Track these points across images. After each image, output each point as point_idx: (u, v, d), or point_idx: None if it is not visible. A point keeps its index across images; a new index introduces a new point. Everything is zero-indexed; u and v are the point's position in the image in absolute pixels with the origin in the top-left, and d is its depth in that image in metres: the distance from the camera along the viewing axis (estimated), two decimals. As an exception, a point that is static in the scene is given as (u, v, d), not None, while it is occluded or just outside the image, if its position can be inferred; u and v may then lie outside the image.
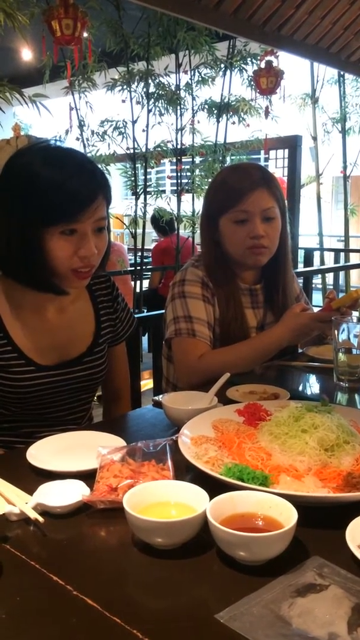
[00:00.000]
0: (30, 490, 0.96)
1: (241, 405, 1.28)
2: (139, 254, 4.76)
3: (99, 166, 1.35)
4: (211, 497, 0.85)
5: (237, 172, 1.77)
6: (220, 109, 4.66)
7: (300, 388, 1.67)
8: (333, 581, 0.75)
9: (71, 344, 1.41)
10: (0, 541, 0.85)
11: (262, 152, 5.58)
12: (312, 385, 1.70)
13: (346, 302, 1.63)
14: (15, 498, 0.93)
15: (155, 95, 4.34)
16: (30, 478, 1.03)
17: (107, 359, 1.49)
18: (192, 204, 4.75)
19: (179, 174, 4.65)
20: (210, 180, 4.37)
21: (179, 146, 4.55)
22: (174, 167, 4.75)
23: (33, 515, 0.89)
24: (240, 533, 0.77)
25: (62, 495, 0.93)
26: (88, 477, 0.99)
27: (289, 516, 0.80)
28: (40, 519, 0.88)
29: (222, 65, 4.56)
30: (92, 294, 1.50)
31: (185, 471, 1.04)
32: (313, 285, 4.84)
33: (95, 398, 1.57)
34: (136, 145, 4.40)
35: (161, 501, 0.88)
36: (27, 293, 1.34)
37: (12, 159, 1.28)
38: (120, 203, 5.86)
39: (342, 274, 6.55)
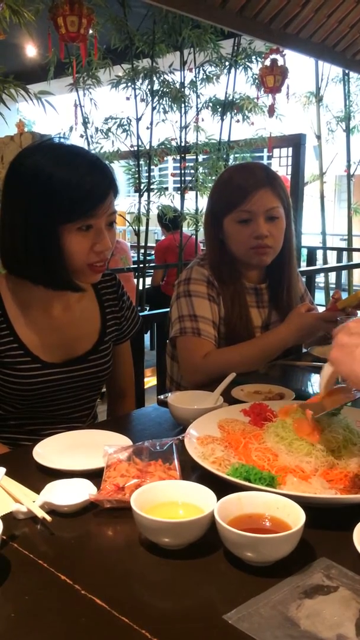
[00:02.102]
0: (37, 489, 0.97)
1: (247, 405, 1.28)
2: (142, 251, 4.76)
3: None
4: (218, 498, 0.85)
5: (241, 171, 1.76)
6: (225, 106, 4.65)
7: (305, 388, 1.67)
8: (341, 583, 0.75)
9: (77, 342, 1.42)
10: (8, 540, 0.85)
11: (266, 150, 5.58)
12: (317, 385, 1.70)
13: (352, 302, 1.63)
14: (22, 496, 0.94)
15: (160, 92, 4.32)
16: (37, 476, 1.04)
17: (112, 357, 1.49)
18: (196, 202, 4.74)
19: (182, 171, 4.64)
20: (214, 178, 4.36)
21: (182, 144, 4.54)
22: (178, 165, 4.74)
23: (40, 513, 0.89)
24: (248, 534, 0.77)
25: (69, 494, 0.93)
26: (95, 476, 1.00)
27: (296, 517, 0.81)
28: (48, 517, 0.88)
29: (227, 63, 4.54)
30: (98, 292, 1.50)
31: (192, 471, 1.04)
32: (315, 284, 4.84)
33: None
34: (140, 143, 4.39)
35: (169, 501, 0.88)
36: (33, 291, 1.34)
37: (20, 159, 1.28)
38: (123, 200, 5.86)
39: (344, 273, 6.55)
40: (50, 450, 1.12)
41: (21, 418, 1.40)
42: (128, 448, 1.06)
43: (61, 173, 1.21)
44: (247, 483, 0.92)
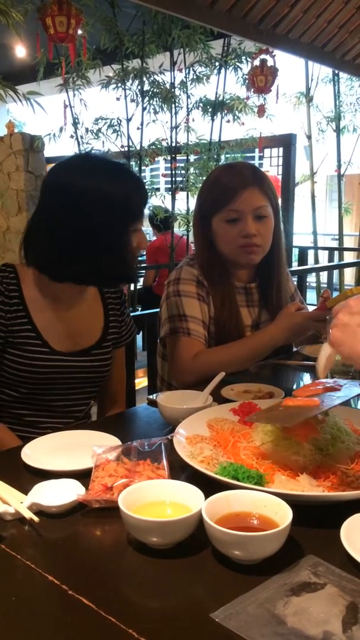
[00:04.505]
0: (25, 490, 0.96)
1: (236, 404, 1.29)
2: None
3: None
4: (206, 497, 0.85)
5: (229, 171, 1.77)
6: (215, 107, 4.66)
7: (295, 387, 1.67)
8: (328, 580, 0.76)
9: (82, 335, 1.49)
10: (-5, 541, 0.85)
11: (257, 150, 5.59)
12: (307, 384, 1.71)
13: (341, 301, 1.63)
14: (10, 497, 0.93)
15: (150, 93, 4.33)
16: (25, 477, 1.03)
17: (112, 357, 1.54)
18: (187, 202, 4.75)
19: (173, 172, 4.65)
20: (205, 178, 4.37)
21: (173, 144, 4.55)
22: (169, 165, 4.75)
23: (28, 514, 0.89)
24: (236, 532, 0.77)
25: (57, 494, 0.93)
26: (83, 476, 0.99)
27: (284, 515, 0.81)
28: (35, 518, 0.88)
29: (217, 64, 4.55)
30: (103, 295, 1.57)
31: (181, 470, 1.04)
32: (307, 284, 4.85)
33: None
34: (130, 143, 4.40)
35: (156, 500, 0.88)
36: (54, 286, 1.42)
37: (76, 178, 1.34)
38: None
39: (336, 272, 6.57)
40: (38, 451, 1.11)
41: (21, 407, 1.45)
42: (117, 448, 1.06)
43: (121, 191, 1.35)
44: (235, 482, 0.92)
